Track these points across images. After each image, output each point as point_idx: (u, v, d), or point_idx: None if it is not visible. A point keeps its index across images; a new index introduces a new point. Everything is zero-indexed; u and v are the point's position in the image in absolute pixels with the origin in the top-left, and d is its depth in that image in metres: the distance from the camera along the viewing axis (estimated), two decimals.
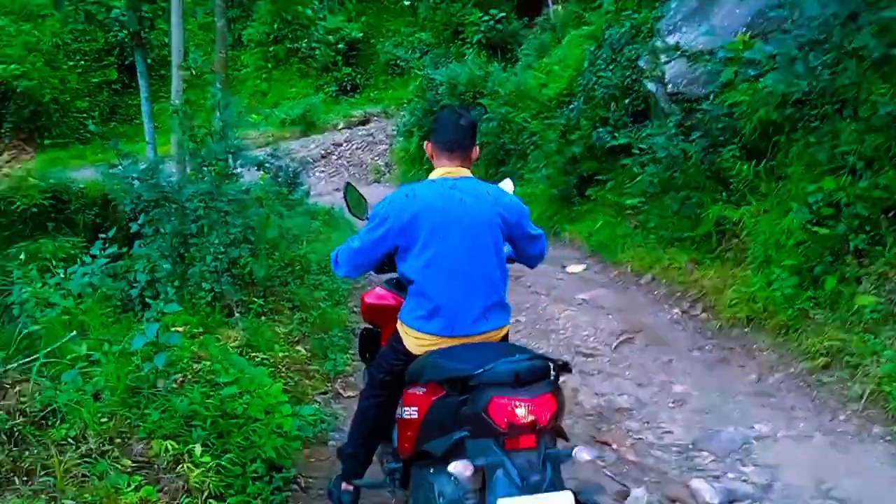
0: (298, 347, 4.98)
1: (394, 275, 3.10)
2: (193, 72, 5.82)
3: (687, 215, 7.18)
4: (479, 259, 2.69)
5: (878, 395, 4.08)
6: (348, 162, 19.94)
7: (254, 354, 4.46)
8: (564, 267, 8.54)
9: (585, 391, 4.84)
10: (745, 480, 3.66)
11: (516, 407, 2.18)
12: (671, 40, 9.49)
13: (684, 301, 6.63)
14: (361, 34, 24.92)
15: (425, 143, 2.92)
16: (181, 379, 3.54)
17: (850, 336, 4.59)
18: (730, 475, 3.71)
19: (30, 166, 14.96)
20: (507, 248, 2.98)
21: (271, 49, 25.98)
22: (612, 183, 9.97)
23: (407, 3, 25.79)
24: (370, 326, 3.41)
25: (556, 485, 2.19)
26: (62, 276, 4.67)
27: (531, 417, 2.17)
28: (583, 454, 2.21)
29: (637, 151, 7.94)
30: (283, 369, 4.54)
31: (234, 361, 3.48)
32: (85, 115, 22.69)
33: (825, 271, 5.05)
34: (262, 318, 5.25)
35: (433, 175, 2.81)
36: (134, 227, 5.52)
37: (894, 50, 4.41)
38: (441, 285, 2.67)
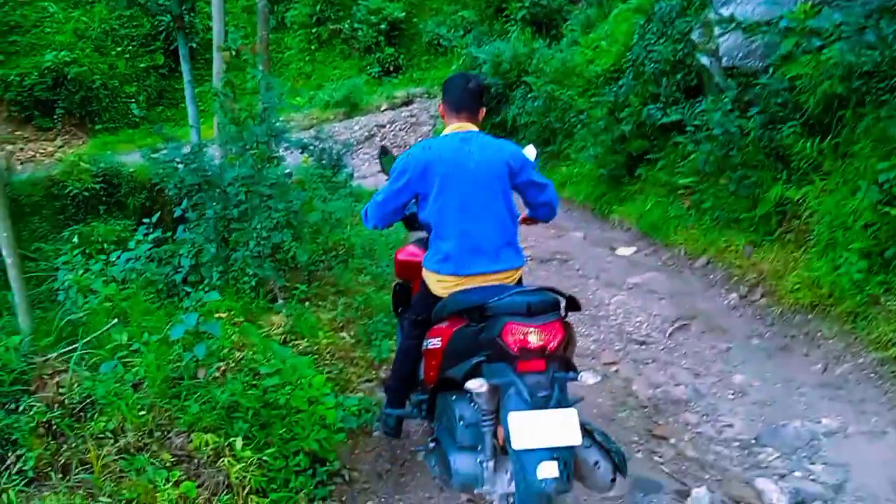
0: (343, 334, 4.87)
1: (423, 234, 3.35)
2: (233, 52, 5.71)
3: (744, 195, 6.85)
4: (488, 203, 2.97)
5: None
6: (391, 144, 19.80)
7: (297, 342, 4.36)
8: (614, 249, 8.29)
9: (639, 381, 4.63)
10: (813, 480, 3.44)
11: (528, 333, 2.47)
12: (725, 12, 9.08)
13: (742, 286, 6.34)
14: (403, 14, 24.66)
15: (439, 105, 3.21)
16: (223, 368, 3.45)
17: None
18: (797, 474, 3.50)
19: (82, 151, 15.17)
20: (526, 212, 3.35)
21: (314, 31, 25.94)
22: (663, 162, 9.63)
23: None
24: (402, 282, 3.68)
25: (561, 403, 2.46)
26: (105, 260, 4.61)
27: (541, 342, 2.46)
28: (589, 378, 2.56)
29: (692, 129, 7.61)
30: (328, 356, 4.43)
31: (275, 351, 3.37)
32: (132, 99, 23.06)
33: None
34: (306, 303, 5.16)
35: (445, 132, 3.09)
36: (178, 212, 5.47)
37: None
38: (454, 228, 2.95)
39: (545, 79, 12.89)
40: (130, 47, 25.09)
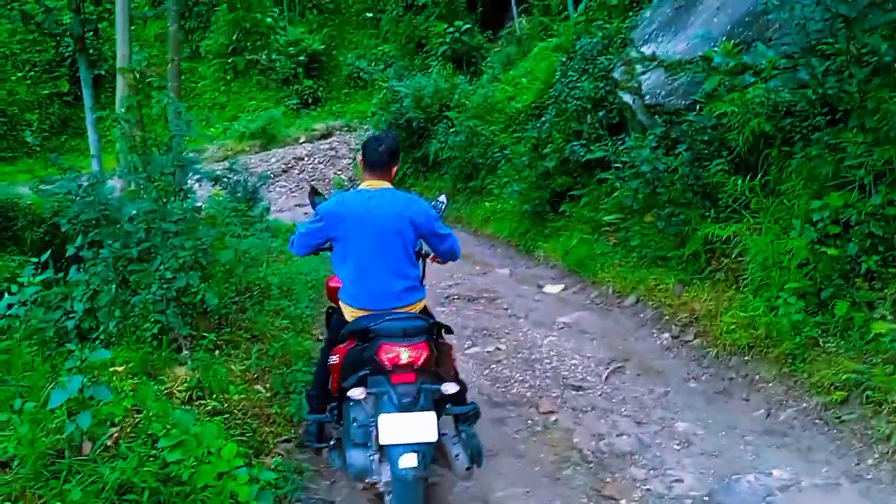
0: (257, 387, 4.39)
1: None
2: (137, 75, 5.22)
3: (673, 233, 6.77)
4: (387, 253, 3.43)
5: None
6: (310, 176, 19.34)
7: (204, 402, 3.87)
8: (541, 287, 8.08)
9: (581, 432, 4.34)
10: None
11: (399, 352, 3.05)
12: (647, 50, 9.16)
13: (674, 325, 6.20)
14: (323, 46, 24.40)
15: (359, 159, 3.69)
16: (116, 435, 2.96)
17: (868, 368, 4.17)
18: None
19: None
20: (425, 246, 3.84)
21: (230, 60, 25.34)
22: (587, 199, 9.57)
23: (369, 15, 25.37)
24: (333, 305, 4.02)
25: (425, 408, 3.00)
26: None
27: (410, 359, 3.05)
28: (448, 387, 3.09)
29: (619, 166, 7.52)
30: (240, 415, 3.95)
31: (178, 420, 2.90)
32: (32, 127, 21.84)
33: (834, 295, 4.64)
34: (216, 352, 4.66)
35: (359, 187, 3.60)
36: (70, 250, 4.90)
37: None
38: (357, 272, 3.47)
39: (467, 114, 12.80)
40: (32, 73, 23.88)
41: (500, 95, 13.31)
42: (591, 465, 3.95)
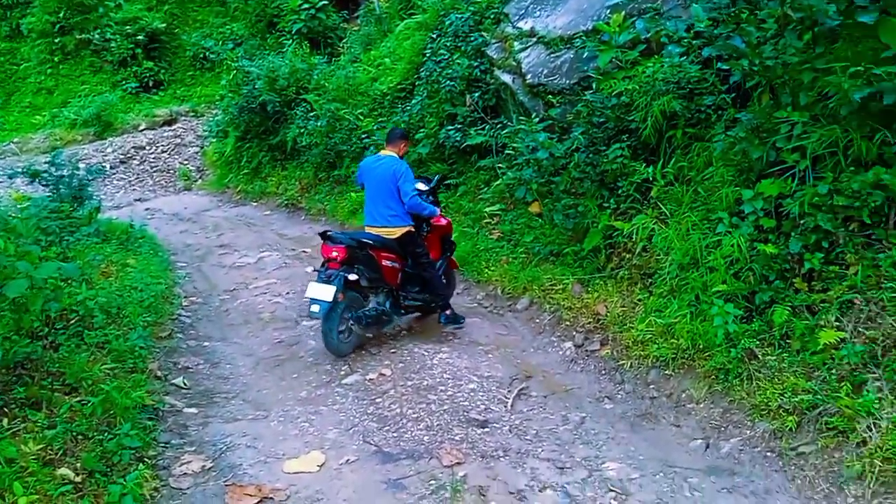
0: (62, 470, 3.18)
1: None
2: None
3: (569, 227, 6.06)
4: (382, 192, 5.60)
5: (893, 476, 3.04)
6: (153, 167, 17.37)
7: None
8: None
9: (497, 490, 3.47)
10: None
11: (330, 251, 5.22)
12: (524, 26, 8.44)
13: (576, 332, 5.50)
14: (164, 24, 22.18)
15: None
16: None
17: (820, 386, 3.58)
18: None
19: None
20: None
21: (58, 40, 22.61)
22: (464, 188, 8.78)
23: None
24: None
25: (332, 282, 5.12)
26: None
27: (335, 255, 5.20)
28: (351, 276, 5.25)
29: (511, 152, 6.74)
30: None
31: None
32: None
33: (772, 300, 4.03)
34: (4, 421, 3.40)
35: (379, 153, 5.94)
36: None
37: (861, 15, 3.41)
38: (367, 203, 5.75)
39: (327, 97, 11.66)
40: None
41: (362, 77, 12.24)
42: None
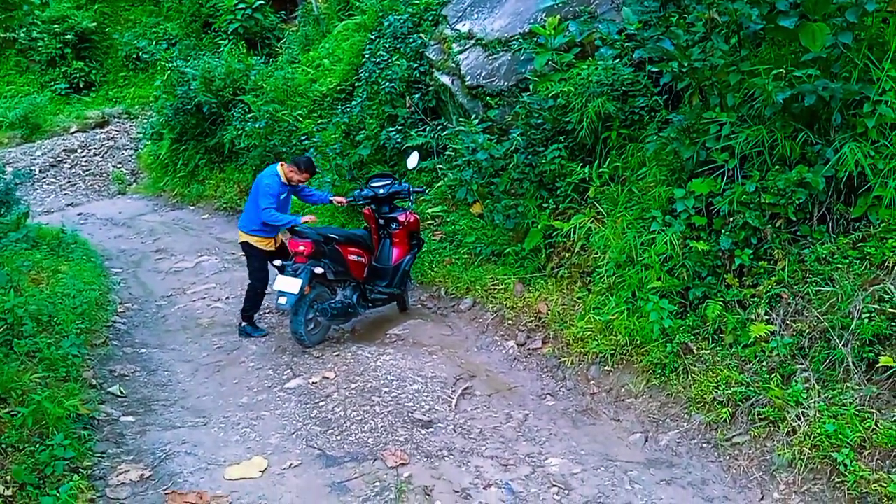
0: None
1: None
2: None
3: (510, 227, 6.13)
4: (250, 205, 5.97)
5: (820, 462, 3.18)
6: (85, 171, 16.86)
7: None
8: None
9: (441, 489, 3.49)
10: None
11: (297, 245, 5.46)
12: (462, 28, 8.50)
13: (518, 331, 5.56)
14: (94, 24, 21.53)
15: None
16: None
17: (752, 379, 3.71)
18: None
19: None
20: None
21: None
22: None
23: None
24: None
25: (298, 276, 5.31)
26: None
27: (302, 249, 5.44)
28: (317, 269, 5.45)
29: (452, 153, 6.77)
30: None
31: None
32: None
33: (705, 295, 4.16)
34: None
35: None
36: None
37: (783, 20, 3.55)
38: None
39: (265, 98, 11.50)
40: None
41: (301, 78, 12.13)
42: None
